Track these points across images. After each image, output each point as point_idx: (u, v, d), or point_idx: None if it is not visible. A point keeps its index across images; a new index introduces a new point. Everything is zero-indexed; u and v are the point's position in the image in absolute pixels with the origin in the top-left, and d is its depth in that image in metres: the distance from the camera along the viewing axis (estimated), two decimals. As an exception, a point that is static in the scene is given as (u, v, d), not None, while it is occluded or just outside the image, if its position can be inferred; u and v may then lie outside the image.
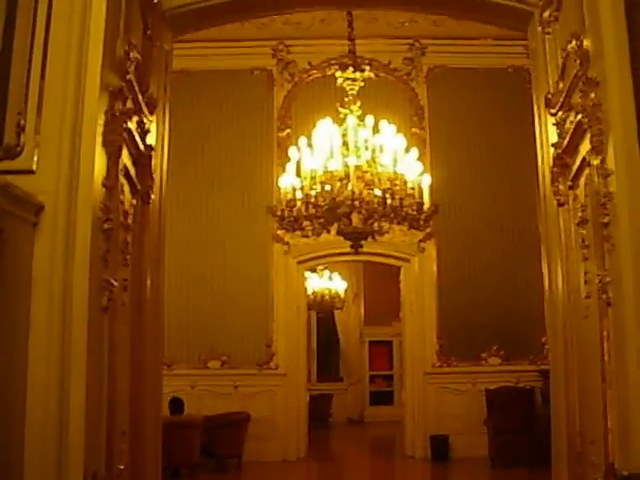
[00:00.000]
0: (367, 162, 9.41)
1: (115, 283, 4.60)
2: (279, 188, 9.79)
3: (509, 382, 13.71)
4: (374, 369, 21.48)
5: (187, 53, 13.83)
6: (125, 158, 4.78)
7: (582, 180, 5.04)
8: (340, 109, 10.07)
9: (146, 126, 5.31)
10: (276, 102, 14.84)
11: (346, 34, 10.76)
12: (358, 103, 10.13)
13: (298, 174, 9.54)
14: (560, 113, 5.52)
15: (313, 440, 15.72)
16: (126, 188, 4.99)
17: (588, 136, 4.67)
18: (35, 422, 4.15)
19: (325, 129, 9.69)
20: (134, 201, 5.27)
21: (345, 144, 9.58)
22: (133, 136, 4.97)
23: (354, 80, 10.23)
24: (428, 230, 13.56)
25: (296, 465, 13.95)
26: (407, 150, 9.79)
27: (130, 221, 5.10)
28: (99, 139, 4.35)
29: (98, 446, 4.42)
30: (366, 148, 9.54)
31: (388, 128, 9.71)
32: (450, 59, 14.73)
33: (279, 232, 13.60)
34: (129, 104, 4.79)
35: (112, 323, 4.64)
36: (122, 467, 4.89)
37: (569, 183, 5.40)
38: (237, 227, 14.37)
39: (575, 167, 5.21)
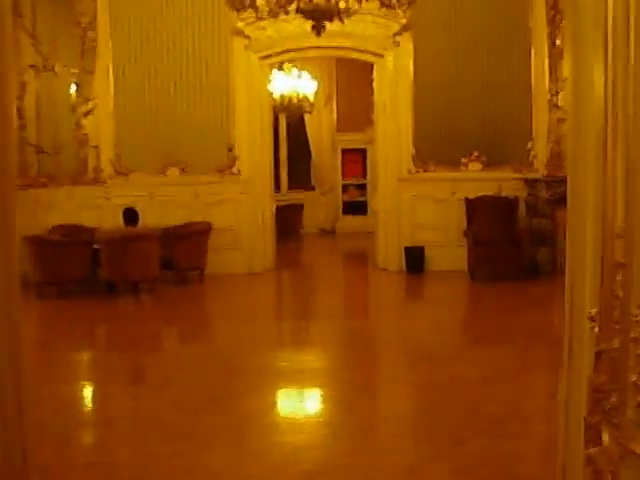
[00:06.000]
0: None
1: None
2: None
3: (491, 191, 12.79)
4: (347, 178, 20.48)
5: None
6: None
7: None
8: None
9: None
10: None
11: None
12: None
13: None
14: None
15: (282, 251, 15.02)
16: None
17: None
18: None
19: None
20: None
21: None
22: None
23: None
24: (404, 21, 12.55)
25: (262, 277, 13.21)
26: None
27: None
28: None
29: None
30: None
31: None
32: None
33: (239, 24, 12.25)
34: None
35: None
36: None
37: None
38: (193, 20, 12.96)
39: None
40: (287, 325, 10.13)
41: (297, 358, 8.01)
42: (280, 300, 12.56)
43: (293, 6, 7.87)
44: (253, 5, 7.58)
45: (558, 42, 12.36)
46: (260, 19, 8.13)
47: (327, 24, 8.11)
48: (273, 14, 7.79)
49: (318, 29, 7.72)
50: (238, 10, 7.89)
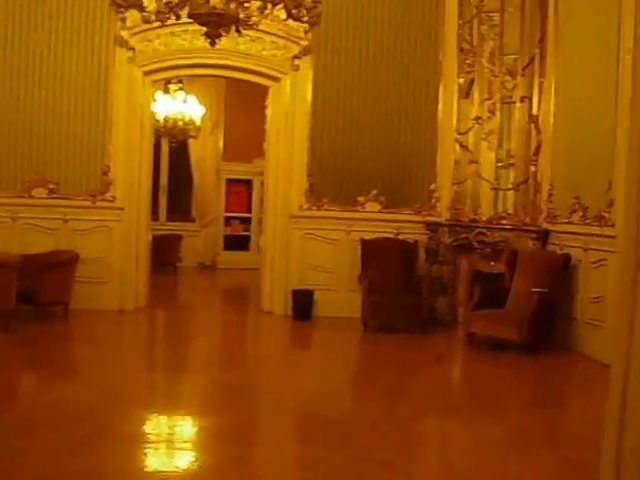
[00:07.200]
0: None
1: None
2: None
3: (389, 233, 11.97)
4: (231, 210, 19.46)
5: None
6: None
7: None
8: None
9: None
10: None
11: None
12: None
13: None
14: None
15: (157, 286, 13.91)
16: None
17: None
18: None
19: None
20: None
21: None
22: None
23: None
24: (305, 43, 11.82)
25: (133, 316, 12.01)
26: None
27: None
28: None
29: None
30: None
31: None
32: None
33: (123, 33, 11.05)
34: None
35: None
36: None
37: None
38: (70, 25, 11.71)
39: None
40: (157, 378, 8.78)
41: (165, 423, 6.70)
42: (151, 345, 11.20)
43: (185, 11, 6.72)
44: (138, 4, 6.40)
45: (461, 81, 11.81)
46: (147, 22, 6.91)
47: (223, 37, 7.03)
48: (161, 17, 6.62)
49: (212, 37, 6.57)
50: (120, 7, 6.70)
